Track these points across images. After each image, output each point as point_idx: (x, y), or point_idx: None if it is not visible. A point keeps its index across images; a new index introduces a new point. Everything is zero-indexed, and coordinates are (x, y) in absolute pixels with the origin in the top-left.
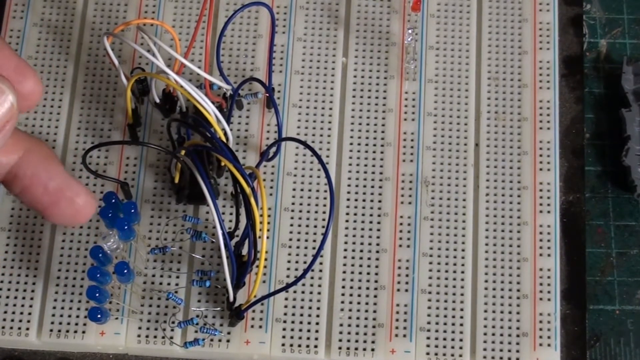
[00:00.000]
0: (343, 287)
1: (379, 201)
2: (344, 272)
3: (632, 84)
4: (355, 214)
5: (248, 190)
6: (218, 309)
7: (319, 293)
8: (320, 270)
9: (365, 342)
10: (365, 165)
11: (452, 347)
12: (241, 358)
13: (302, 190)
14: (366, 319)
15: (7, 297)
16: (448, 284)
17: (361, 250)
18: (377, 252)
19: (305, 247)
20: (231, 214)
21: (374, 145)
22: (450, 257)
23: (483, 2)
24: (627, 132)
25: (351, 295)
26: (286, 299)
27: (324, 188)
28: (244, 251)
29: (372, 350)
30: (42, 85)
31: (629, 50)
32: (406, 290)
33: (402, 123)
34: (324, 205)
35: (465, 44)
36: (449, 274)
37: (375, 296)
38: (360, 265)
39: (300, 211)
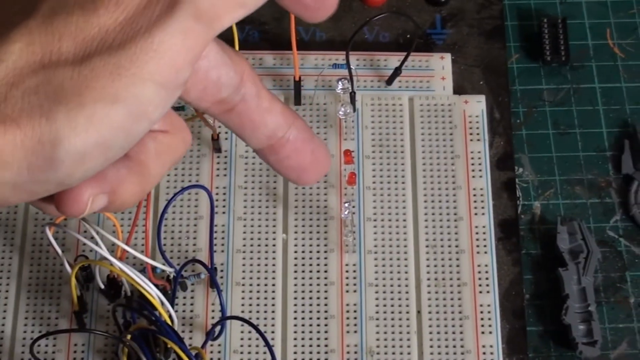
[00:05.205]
0: None
1: None
2: None
3: (568, 243)
4: None
5: None
6: None
7: None
8: None
9: None
10: (310, 339)
11: None
12: None
13: None
14: None
15: None
16: None
17: None
18: None
19: None
20: None
21: (318, 318)
22: None
23: (417, 172)
24: (565, 290)
25: None
26: None
27: None
28: None
29: None
30: None
31: (562, 210)
32: None
33: (345, 295)
34: None
35: (402, 214)
36: None
37: None
38: None
39: None
